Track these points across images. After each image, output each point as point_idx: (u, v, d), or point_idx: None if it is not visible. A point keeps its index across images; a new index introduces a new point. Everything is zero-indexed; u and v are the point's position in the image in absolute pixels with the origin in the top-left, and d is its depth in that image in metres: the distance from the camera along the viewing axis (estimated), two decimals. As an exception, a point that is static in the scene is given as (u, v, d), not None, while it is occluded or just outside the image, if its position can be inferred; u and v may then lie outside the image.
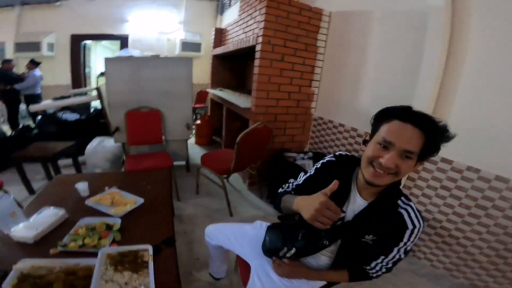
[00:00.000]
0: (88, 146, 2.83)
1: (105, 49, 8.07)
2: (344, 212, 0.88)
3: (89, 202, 1.40)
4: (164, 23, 6.44)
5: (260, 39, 2.35)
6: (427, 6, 1.66)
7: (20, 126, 3.53)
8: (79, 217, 1.26)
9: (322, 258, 0.98)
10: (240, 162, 2.16)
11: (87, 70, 6.81)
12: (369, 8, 2.16)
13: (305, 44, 2.52)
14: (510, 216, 1.41)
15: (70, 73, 6.32)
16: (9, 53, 5.72)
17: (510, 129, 1.38)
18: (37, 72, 4.78)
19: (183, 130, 2.88)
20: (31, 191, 2.49)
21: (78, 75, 6.43)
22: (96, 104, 4.32)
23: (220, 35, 4.26)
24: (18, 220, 1.18)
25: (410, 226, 0.78)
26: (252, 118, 2.55)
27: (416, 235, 0.79)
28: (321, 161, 1.00)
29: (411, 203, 0.81)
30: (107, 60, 2.53)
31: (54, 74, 5.99)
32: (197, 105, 5.74)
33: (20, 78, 4.56)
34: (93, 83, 7.16)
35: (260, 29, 2.34)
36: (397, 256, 0.83)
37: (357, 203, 0.86)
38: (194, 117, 5.22)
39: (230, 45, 3.32)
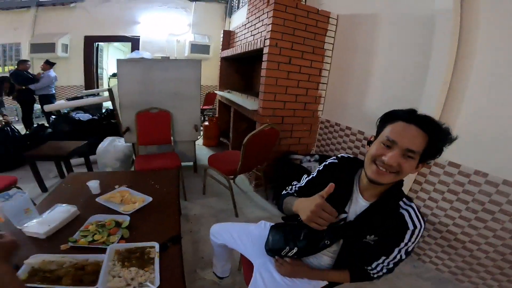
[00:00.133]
0: (100, 146, 2.90)
1: (117, 51, 8.25)
2: (346, 213, 0.89)
3: (100, 199, 1.45)
4: (173, 25, 6.54)
5: (267, 42, 2.37)
6: (434, 8, 1.66)
7: (35, 125, 3.64)
8: (90, 214, 1.30)
9: (324, 258, 0.99)
10: (247, 163, 2.19)
11: (99, 71, 6.96)
12: (376, 11, 2.16)
13: (313, 46, 2.54)
14: (517, 221, 1.39)
15: (83, 74, 6.47)
16: (25, 54, 5.89)
17: (519, 134, 1.37)
18: (52, 72, 4.90)
19: (191, 131, 2.93)
20: (43, 188, 2.58)
21: (91, 76, 6.57)
22: (107, 104, 4.42)
23: (228, 38, 4.30)
24: (31, 216, 1.23)
25: (411, 227, 0.79)
26: (259, 120, 2.58)
27: (417, 235, 0.80)
28: (324, 164, 1.01)
29: (413, 204, 0.83)
30: (119, 62, 2.60)
31: (68, 74, 6.14)
32: (205, 107, 5.80)
33: (35, 79, 4.66)
34: (105, 84, 7.31)
35: (268, 32, 2.36)
36: (398, 257, 0.84)
37: (359, 204, 0.88)
38: (202, 118, 5.28)
39: (238, 48, 3.36)
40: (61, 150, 2.56)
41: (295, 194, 1.07)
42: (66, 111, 3.90)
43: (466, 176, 1.58)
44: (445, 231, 1.73)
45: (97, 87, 6.60)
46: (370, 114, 2.26)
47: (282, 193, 1.12)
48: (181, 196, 2.39)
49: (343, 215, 0.90)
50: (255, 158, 2.29)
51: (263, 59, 2.47)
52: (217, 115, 4.69)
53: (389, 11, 2.05)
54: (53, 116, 3.78)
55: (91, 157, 3.00)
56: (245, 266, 1.22)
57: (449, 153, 1.61)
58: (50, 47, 5.85)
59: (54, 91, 5.03)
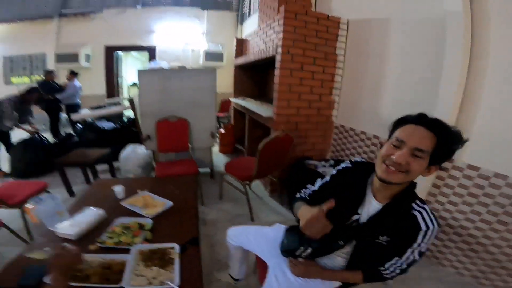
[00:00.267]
0: (122, 153, 3.05)
1: (135, 60, 8.52)
2: (358, 214, 0.92)
3: (124, 203, 1.55)
4: (188, 34, 6.72)
5: (279, 49, 2.43)
6: (444, 11, 1.65)
7: (63, 134, 3.86)
8: (115, 216, 1.39)
9: (337, 259, 1.02)
10: (262, 169, 2.24)
11: (119, 79, 7.20)
12: (387, 16, 2.17)
13: (325, 52, 2.57)
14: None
15: (105, 83, 6.73)
16: (50, 64, 6.19)
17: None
18: (77, 82, 5.13)
19: (208, 138, 3.02)
20: (71, 193, 2.73)
21: (112, 85, 6.84)
22: (128, 113, 4.61)
23: (241, 45, 4.38)
24: (63, 218, 1.34)
25: (424, 228, 0.80)
26: (274, 126, 2.63)
27: (430, 236, 0.81)
28: (337, 168, 1.04)
29: (425, 206, 0.84)
30: (140, 72, 2.74)
31: (90, 84, 6.36)
32: (220, 114, 5.90)
33: (62, 88, 4.88)
34: (124, 93, 7.58)
35: (279, 39, 2.42)
36: (411, 257, 0.86)
37: (372, 205, 0.90)
38: (217, 125, 5.37)
39: (251, 55, 3.43)
40: (87, 157, 2.73)
41: (307, 197, 1.10)
42: (91, 120, 4.12)
43: (486, 179, 1.55)
44: (466, 234, 1.69)
45: (117, 96, 6.87)
46: (385, 118, 2.25)
47: (296, 195, 1.16)
48: (199, 201, 2.46)
49: (356, 217, 0.92)
50: (270, 164, 2.33)
51: (276, 66, 2.52)
52: (232, 122, 4.77)
53: (399, 15, 2.06)
54: (79, 125, 4.00)
55: (114, 164, 3.15)
56: (260, 267, 1.26)
57: (467, 156, 1.61)
58: (73, 57, 6.09)
59: (79, 101, 5.26)
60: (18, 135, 3.34)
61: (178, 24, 6.65)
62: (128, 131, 3.80)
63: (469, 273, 1.73)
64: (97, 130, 3.70)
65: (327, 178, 1.07)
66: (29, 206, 1.94)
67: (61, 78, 5.37)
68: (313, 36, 2.46)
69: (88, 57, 6.37)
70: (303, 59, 2.49)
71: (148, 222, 1.35)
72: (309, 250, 0.94)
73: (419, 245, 0.83)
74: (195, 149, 3.06)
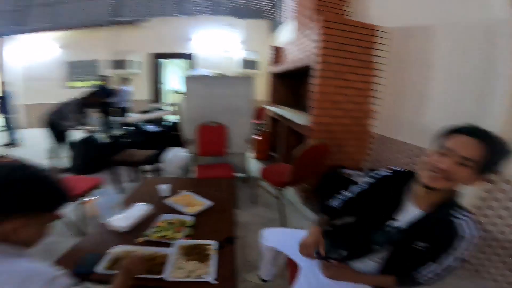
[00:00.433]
0: (165, 155, 3.29)
1: (174, 67, 9.00)
2: (396, 220, 0.93)
3: (168, 201, 1.67)
4: (225, 42, 6.99)
5: (316, 58, 2.45)
6: (493, 18, 1.57)
7: (114, 135, 4.25)
8: (159, 213, 1.51)
9: (370, 263, 1.01)
10: (297, 176, 2.27)
11: (160, 86, 7.67)
12: (431, 22, 2.10)
13: (363, 61, 2.53)
14: None
15: (150, 88, 7.23)
16: (103, 69, 6.77)
17: None
18: (127, 87, 5.66)
19: (244, 144, 3.13)
20: (120, 190, 2.99)
21: (156, 91, 7.35)
22: (168, 117, 4.93)
23: (276, 53, 4.44)
24: (116, 212, 1.48)
25: (463, 235, 0.80)
26: (310, 134, 2.64)
27: (470, 244, 0.80)
28: (376, 176, 1.06)
29: (468, 214, 0.83)
30: (187, 79, 2.96)
31: (139, 89, 6.87)
32: (255, 121, 6.00)
33: (114, 93, 5.35)
34: (164, 98, 8.08)
35: (316, 48, 2.43)
36: (449, 264, 0.85)
37: (411, 212, 0.91)
38: (253, 132, 5.46)
39: (286, 64, 3.49)
40: (136, 157, 2.99)
41: (338, 206, 1.14)
42: (138, 123, 4.49)
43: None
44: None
45: (160, 101, 7.35)
46: (429, 129, 2.15)
47: (328, 203, 1.19)
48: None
49: (393, 223, 0.93)
50: (305, 172, 2.36)
51: (312, 75, 2.54)
52: (267, 130, 4.85)
53: (445, 21, 1.99)
54: (127, 128, 4.38)
55: (157, 165, 3.39)
56: (291, 268, 1.28)
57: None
58: (123, 64, 6.63)
59: (128, 105, 5.76)
60: (76, 135, 3.69)
61: (215, 32, 6.96)
62: (170, 135, 4.07)
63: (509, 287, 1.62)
64: (144, 132, 4.02)
65: (365, 185, 1.09)
66: (90, 199, 2.21)
67: (113, 84, 5.85)
68: (350, 45, 2.45)
69: (135, 64, 6.87)
70: (340, 67, 2.48)
71: (189, 220, 1.44)
72: (344, 253, 0.96)
73: (458, 251, 0.82)
74: (231, 154, 3.17)
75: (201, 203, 1.65)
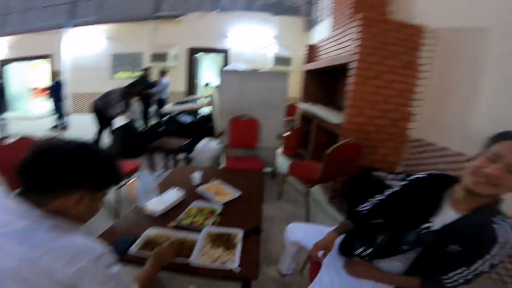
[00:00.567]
0: (198, 145, 3.43)
1: (209, 61, 9.19)
2: (430, 222, 0.90)
3: (200, 189, 1.75)
4: (259, 38, 7.02)
5: (354, 57, 2.39)
6: None
7: (152, 124, 4.52)
8: (191, 200, 1.57)
9: (396, 264, 0.99)
10: (327, 174, 2.24)
11: (196, 79, 7.90)
12: (484, 25, 1.95)
13: (404, 61, 2.42)
14: None
15: (186, 81, 7.50)
16: (145, 62, 7.15)
17: None
18: (166, 79, 5.95)
19: (275, 140, 3.15)
20: (155, 176, 3.16)
21: (191, 84, 7.61)
22: (202, 110, 5.11)
23: (312, 51, 4.36)
24: (153, 196, 1.56)
25: (501, 240, 0.77)
26: (343, 133, 2.58)
27: (506, 250, 0.77)
28: (410, 179, 1.03)
29: (508, 220, 0.79)
30: (223, 72, 3.05)
31: (175, 81, 7.12)
32: (286, 118, 5.98)
33: (154, 84, 5.66)
34: (199, 91, 8.35)
35: (355, 46, 2.37)
36: (480, 269, 0.81)
37: (448, 215, 0.88)
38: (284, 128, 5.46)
39: (322, 61, 3.42)
40: (171, 145, 3.16)
41: (367, 211, 1.11)
42: (174, 113, 4.71)
43: None
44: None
45: (195, 94, 7.61)
46: (475, 134, 2.00)
47: (355, 208, 1.17)
48: (262, 195, 2.61)
49: (427, 225, 0.90)
50: (335, 170, 2.32)
51: (350, 74, 2.48)
52: (297, 126, 4.82)
53: (501, 23, 1.83)
54: (164, 117, 4.62)
55: (190, 154, 3.55)
56: (313, 264, 1.29)
57: None
58: (163, 57, 6.95)
59: (166, 96, 6.05)
60: (118, 122, 3.97)
61: (250, 28, 7.01)
62: (204, 126, 4.23)
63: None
64: (179, 123, 4.22)
65: (397, 188, 1.06)
66: (130, 181, 2.39)
67: (153, 75, 6.13)
68: (391, 44, 2.35)
69: (175, 57, 7.17)
70: (380, 67, 2.40)
71: (218, 208, 1.49)
72: (370, 250, 0.95)
73: (492, 257, 0.79)
74: (261, 148, 3.21)
75: (230, 193, 1.71)
